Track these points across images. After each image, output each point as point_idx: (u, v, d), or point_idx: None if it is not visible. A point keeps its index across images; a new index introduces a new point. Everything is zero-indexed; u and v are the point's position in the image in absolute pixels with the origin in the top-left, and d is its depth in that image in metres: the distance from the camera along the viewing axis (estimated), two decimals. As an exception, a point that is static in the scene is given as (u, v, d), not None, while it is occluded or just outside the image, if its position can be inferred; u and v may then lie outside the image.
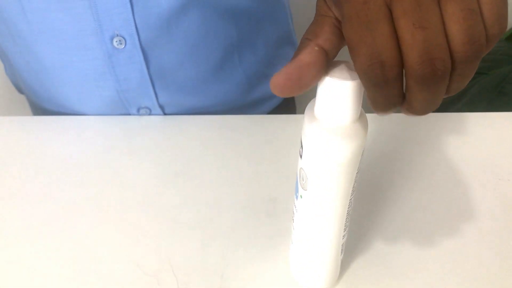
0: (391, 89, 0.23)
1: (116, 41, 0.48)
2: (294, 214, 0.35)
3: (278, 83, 0.26)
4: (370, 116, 0.57)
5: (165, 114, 0.58)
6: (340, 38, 0.27)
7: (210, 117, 0.58)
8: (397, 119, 0.58)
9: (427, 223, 0.45)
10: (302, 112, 0.32)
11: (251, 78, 0.61)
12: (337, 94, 0.27)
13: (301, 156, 0.31)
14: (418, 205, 0.46)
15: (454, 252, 0.42)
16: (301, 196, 0.33)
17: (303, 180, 0.32)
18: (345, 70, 0.27)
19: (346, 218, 0.34)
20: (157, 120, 0.57)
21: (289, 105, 0.72)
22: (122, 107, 0.56)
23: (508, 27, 1.04)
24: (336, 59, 0.29)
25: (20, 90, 0.67)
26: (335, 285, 0.39)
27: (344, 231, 0.35)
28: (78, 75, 0.52)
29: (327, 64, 0.27)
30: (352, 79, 0.27)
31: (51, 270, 0.40)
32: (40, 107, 0.61)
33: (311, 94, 0.31)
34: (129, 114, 0.57)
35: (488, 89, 0.86)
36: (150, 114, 0.58)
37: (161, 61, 0.52)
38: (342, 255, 0.37)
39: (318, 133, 0.29)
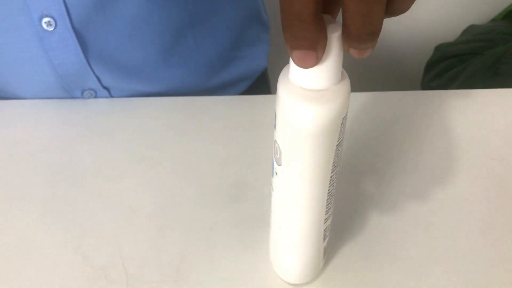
0: None
1: (45, 22, 0.46)
2: (271, 195, 0.33)
3: None
4: (358, 94, 0.55)
5: (112, 97, 0.56)
6: None
7: (169, 99, 0.55)
8: (385, 98, 0.56)
9: (414, 206, 0.43)
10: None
11: (212, 62, 0.58)
12: None
13: (275, 127, 0.29)
14: (404, 187, 0.45)
15: (443, 236, 0.40)
16: (276, 173, 0.30)
17: (277, 155, 0.29)
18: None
19: (328, 199, 0.31)
20: (106, 103, 0.55)
21: (262, 88, 0.69)
22: (64, 91, 0.54)
23: (505, 6, 1.03)
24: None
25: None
26: (317, 276, 0.36)
27: (326, 214, 0.32)
28: (14, 58, 0.50)
29: None
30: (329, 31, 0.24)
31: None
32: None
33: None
34: (73, 98, 0.56)
35: (483, 69, 0.84)
36: (96, 96, 0.56)
37: (99, 44, 0.50)
38: (325, 241, 0.35)
39: (288, 98, 0.27)
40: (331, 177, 0.30)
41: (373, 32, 0.23)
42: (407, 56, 1.11)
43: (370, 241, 0.39)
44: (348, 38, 0.24)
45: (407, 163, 0.47)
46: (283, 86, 0.27)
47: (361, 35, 0.23)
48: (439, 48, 0.98)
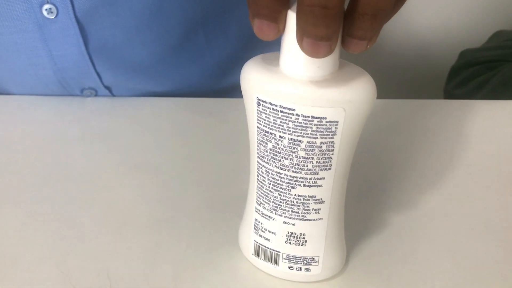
0: None
1: (46, 9, 0.44)
2: None
3: None
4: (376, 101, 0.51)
5: (113, 96, 0.53)
6: None
7: (175, 100, 0.52)
8: (404, 105, 0.52)
9: (422, 219, 0.38)
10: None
11: (222, 62, 0.56)
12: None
13: None
14: (416, 201, 0.40)
15: (450, 252, 0.35)
16: None
17: None
18: None
19: (259, 188, 0.30)
20: (106, 102, 0.52)
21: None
22: (62, 88, 0.51)
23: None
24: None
25: None
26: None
27: (258, 204, 0.31)
28: (9, 50, 0.47)
29: None
30: None
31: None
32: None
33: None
34: (72, 95, 0.53)
35: (513, 78, 0.79)
36: (96, 95, 0.53)
37: (102, 37, 0.47)
38: (258, 234, 0.32)
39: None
40: (258, 162, 0.29)
41: (327, 6, 0.21)
42: (429, 61, 1.07)
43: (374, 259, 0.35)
44: (300, 12, 0.22)
45: (423, 176, 0.43)
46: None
47: (314, 6, 0.21)
48: (464, 54, 0.92)
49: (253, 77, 0.27)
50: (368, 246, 0.36)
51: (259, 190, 0.30)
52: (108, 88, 0.51)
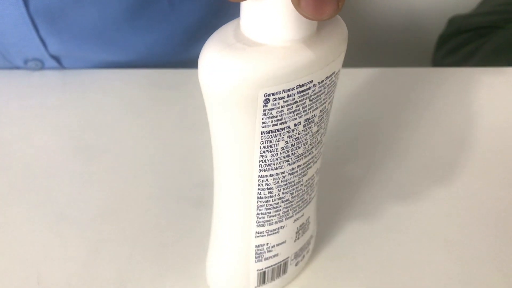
0: None
1: None
2: None
3: None
4: (359, 70, 0.45)
5: (64, 68, 0.47)
6: None
7: (132, 72, 0.46)
8: (391, 74, 0.46)
9: (408, 204, 0.33)
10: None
11: (189, 29, 0.49)
12: None
13: None
14: (404, 179, 0.35)
15: (438, 239, 0.30)
16: None
17: None
18: None
19: (260, 206, 0.23)
20: (55, 75, 0.45)
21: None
22: (2, 58, 0.45)
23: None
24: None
25: None
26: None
27: (259, 226, 0.24)
28: None
29: None
30: None
31: None
32: None
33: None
34: (17, 68, 0.46)
35: (506, 44, 0.73)
36: (42, 68, 0.46)
37: None
38: (261, 263, 0.25)
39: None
40: (261, 176, 0.21)
41: None
42: (416, 29, 1.02)
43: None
44: None
45: (412, 151, 0.37)
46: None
47: None
48: (453, 21, 0.87)
49: (251, 68, 0.18)
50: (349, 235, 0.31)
51: (262, 209, 0.23)
52: (56, 58, 0.45)
